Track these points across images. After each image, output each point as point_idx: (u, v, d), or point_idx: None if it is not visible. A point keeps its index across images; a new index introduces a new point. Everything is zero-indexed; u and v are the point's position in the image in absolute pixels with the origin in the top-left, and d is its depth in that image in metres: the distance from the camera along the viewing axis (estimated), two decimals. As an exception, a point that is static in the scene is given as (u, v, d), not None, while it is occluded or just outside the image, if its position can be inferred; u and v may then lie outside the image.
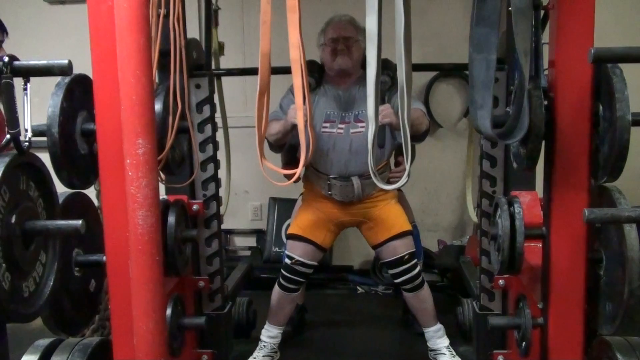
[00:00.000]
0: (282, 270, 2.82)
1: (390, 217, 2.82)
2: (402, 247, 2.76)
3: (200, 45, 2.72)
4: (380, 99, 2.61)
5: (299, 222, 2.85)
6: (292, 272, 2.79)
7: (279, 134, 2.68)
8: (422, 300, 2.81)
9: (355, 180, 2.73)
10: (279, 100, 2.85)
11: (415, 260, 2.78)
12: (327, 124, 2.74)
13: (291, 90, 2.79)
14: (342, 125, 2.74)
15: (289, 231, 2.88)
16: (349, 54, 2.72)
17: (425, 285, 2.81)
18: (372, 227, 2.83)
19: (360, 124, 2.71)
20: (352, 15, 2.84)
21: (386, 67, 2.68)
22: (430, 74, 4.08)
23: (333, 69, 2.75)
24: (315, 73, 2.77)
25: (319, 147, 2.71)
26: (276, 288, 2.84)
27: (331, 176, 2.76)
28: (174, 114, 2.02)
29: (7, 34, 2.51)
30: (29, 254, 1.55)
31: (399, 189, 3.08)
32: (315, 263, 2.81)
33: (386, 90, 2.72)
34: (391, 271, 2.81)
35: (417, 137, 2.68)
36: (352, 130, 2.72)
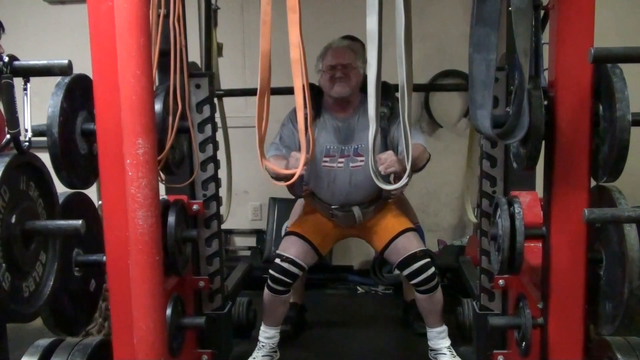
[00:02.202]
0: (270, 271, 2.78)
1: (390, 219, 2.83)
2: (411, 244, 2.75)
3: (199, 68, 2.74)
4: (380, 128, 2.65)
5: (300, 222, 2.85)
6: (281, 272, 2.73)
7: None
8: (435, 302, 2.75)
9: (356, 210, 2.81)
10: (279, 128, 2.85)
11: (429, 259, 2.73)
12: (327, 159, 2.78)
13: (291, 118, 2.82)
14: (342, 159, 2.78)
15: (288, 229, 2.88)
16: (347, 82, 2.73)
17: (440, 287, 2.75)
18: (375, 231, 2.84)
19: (359, 158, 2.76)
20: (350, 40, 2.86)
21: (385, 92, 2.68)
22: (430, 74, 4.09)
23: (331, 97, 2.77)
24: (314, 101, 2.72)
25: (319, 179, 2.79)
26: (265, 290, 2.79)
27: (333, 206, 2.82)
28: (174, 114, 2.02)
29: (3, 30, 2.51)
30: (29, 254, 1.55)
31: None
32: (305, 265, 2.77)
33: (386, 120, 2.74)
34: (406, 271, 2.73)
35: (417, 170, 2.72)
36: (351, 165, 2.77)
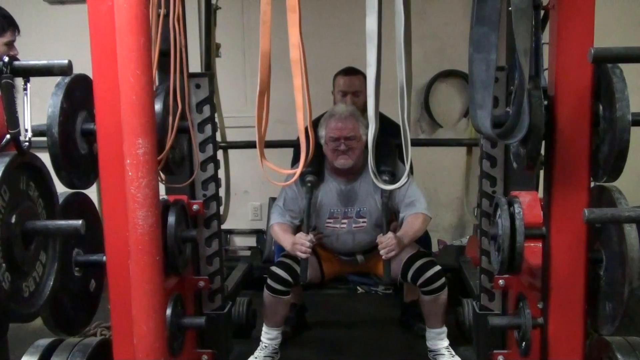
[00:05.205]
0: (272, 268, 2.77)
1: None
2: (409, 249, 2.74)
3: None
4: (382, 195, 2.72)
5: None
6: (284, 268, 2.72)
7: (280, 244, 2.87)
8: (440, 304, 2.74)
9: (360, 257, 2.92)
10: (282, 189, 2.86)
11: (431, 258, 2.76)
12: (331, 220, 2.85)
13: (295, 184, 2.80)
14: (345, 221, 2.84)
15: None
16: (350, 154, 2.73)
17: (446, 288, 2.73)
18: (378, 260, 2.83)
19: (362, 220, 2.83)
20: (353, 107, 2.86)
21: (388, 155, 2.71)
22: (430, 74, 4.09)
23: (334, 166, 2.79)
24: (317, 163, 2.77)
25: (324, 237, 2.87)
26: (265, 292, 2.77)
27: (336, 254, 2.95)
28: (174, 114, 2.02)
29: (18, 31, 2.52)
30: (29, 254, 1.55)
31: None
32: (308, 272, 2.73)
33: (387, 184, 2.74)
34: (409, 274, 2.72)
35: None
36: (354, 225, 2.84)
